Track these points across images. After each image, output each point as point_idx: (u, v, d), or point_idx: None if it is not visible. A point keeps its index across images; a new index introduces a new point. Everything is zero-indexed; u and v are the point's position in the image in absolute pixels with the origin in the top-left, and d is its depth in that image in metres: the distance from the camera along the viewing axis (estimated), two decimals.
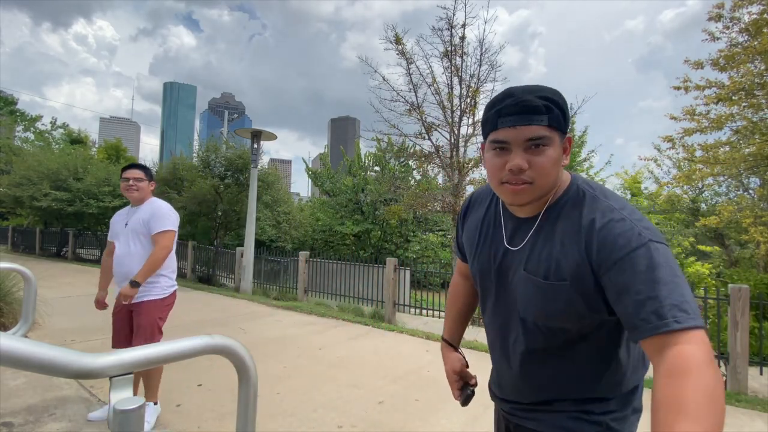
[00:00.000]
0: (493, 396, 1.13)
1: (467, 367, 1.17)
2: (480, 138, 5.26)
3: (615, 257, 0.75)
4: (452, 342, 1.23)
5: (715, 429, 0.57)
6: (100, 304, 2.82)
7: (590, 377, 0.89)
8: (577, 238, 0.81)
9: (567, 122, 0.83)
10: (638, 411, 0.94)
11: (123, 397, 0.65)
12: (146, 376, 2.60)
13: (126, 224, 2.68)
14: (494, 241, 0.97)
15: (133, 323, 2.58)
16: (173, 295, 2.73)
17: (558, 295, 0.83)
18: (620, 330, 0.86)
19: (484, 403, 3.21)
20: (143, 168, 2.80)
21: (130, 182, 2.68)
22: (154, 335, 2.56)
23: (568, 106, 0.86)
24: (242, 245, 9.39)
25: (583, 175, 14.76)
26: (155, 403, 2.65)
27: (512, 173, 0.81)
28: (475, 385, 1.17)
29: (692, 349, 0.65)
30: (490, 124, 0.83)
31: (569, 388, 0.91)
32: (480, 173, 7.63)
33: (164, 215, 2.69)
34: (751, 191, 11.12)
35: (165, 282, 2.65)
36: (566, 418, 0.90)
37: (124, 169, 2.78)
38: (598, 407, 0.89)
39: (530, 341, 0.91)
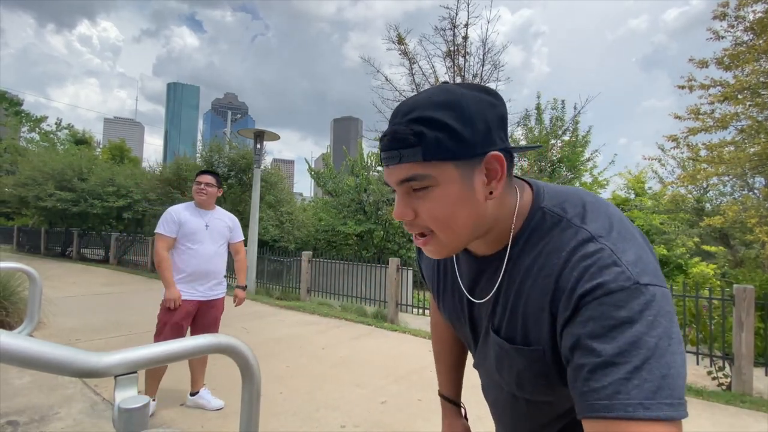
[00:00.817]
0: None
1: None
2: None
3: (577, 301, 0.52)
4: (451, 397, 1.02)
5: None
6: (176, 303, 2.71)
7: None
8: (544, 283, 0.58)
9: (472, 141, 0.55)
10: None
11: (128, 395, 0.65)
12: (148, 373, 2.75)
13: (207, 226, 2.84)
14: (455, 288, 0.75)
15: (192, 321, 2.83)
16: None
17: (529, 362, 0.63)
18: None
19: (485, 403, 3.21)
20: (216, 174, 2.99)
21: (202, 186, 2.87)
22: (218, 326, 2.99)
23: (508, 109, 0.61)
24: (245, 245, 9.42)
25: (587, 175, 14.72)
26: (153, 400, 2.75)
27: (405, 225, 0.62)
28: None
29: None
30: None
31: None
32: None
33: (240, 227, 3.12)
34: (756, 191, 11.05)
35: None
36: None
37: (199, 173, 2.96)
38: None
39: (515, 414, 0.76)
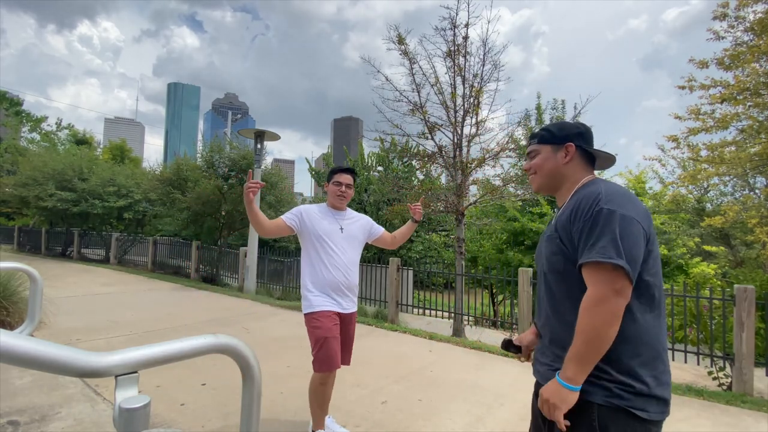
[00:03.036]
0: None
1: (527, 344, 1.45)
2: (483, 137, 5.15)
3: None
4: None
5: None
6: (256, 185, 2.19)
7: None
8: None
9: (554, 136, 1.31)
10: None
11: (128, 395, 0.65)
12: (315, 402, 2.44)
13: (341, 229, 2.47)
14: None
15: (342, 334, 2.45)
16: None
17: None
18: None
19: (486, 404, 3.21)
20: (354, 172, 2.61)
21: (343, 188, 2.49)
22: None
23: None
24: (246, 245, 9.42)
25: None
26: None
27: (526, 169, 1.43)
28: (520, 356, 1.47)
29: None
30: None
31: None
32: (483, 173, 7.61)
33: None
34: (756, 191, 11.04)
35: None
36: None
37: (336, 171, 2.54)
38: None
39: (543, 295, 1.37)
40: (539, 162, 1.32)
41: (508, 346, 1.48)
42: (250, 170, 2.24)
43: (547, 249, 1.23)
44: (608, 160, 1.33)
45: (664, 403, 1.07)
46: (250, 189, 2.11)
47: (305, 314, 2.38)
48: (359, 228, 2.56)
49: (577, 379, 1.04)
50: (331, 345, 2.28)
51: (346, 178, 2.51)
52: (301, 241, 2.47)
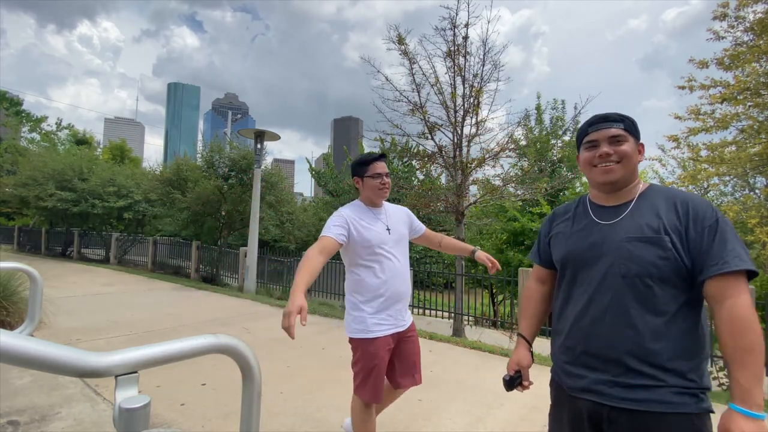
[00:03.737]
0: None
1: (529, 367, 1.38)
2: (482, 137, 5.17)
3: None
4: (527, 336, 1.43)
5: None
6: (301, 316, 1.46)
7: None
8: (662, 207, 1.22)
9: (635, 129, 1.22)
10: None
11: (128, 395, 0.65)
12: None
13: (388, 230, 2.10)
14: (588, 225, 1.30)
15: (407, 351, 2.26)
16: None
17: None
18: None
19: (487, 404, 3.20)
20: (387, 157, 2.23)
21: (384, 179, 2.09)
22: None
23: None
24: (246, 245, 9.42)
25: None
26: None
27: (601, 159, 1.21)
28: (524, 382, 1.37)
29: None
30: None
31: None
32: (483, 173, 7.61)
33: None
34: (757, 191, 11.04)
35: None
36: None
37: (368, 161, 2.11)
38: None
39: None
40: (629, 151, 1.18)
41: (512, 383, 1.35)
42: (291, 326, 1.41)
43: (651, 253, 1.08)
44: None
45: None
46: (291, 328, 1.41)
47: (358, 338, 2.08)
48: (402, 224, 2.20)
49: (762, 404, 0.95)
50: (382, 376, 2.08)
51: (383, 167, 2.10)
52: (345, 252, 2.09)
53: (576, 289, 1.21)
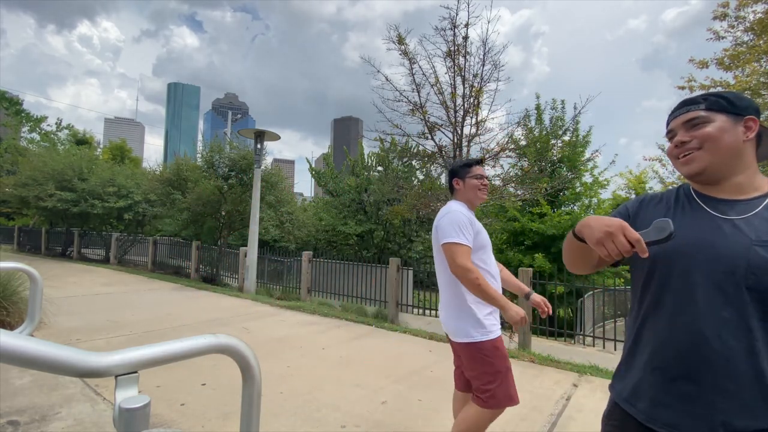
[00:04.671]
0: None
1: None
2: (482, 137, 5.17)
3: None
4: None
5: None
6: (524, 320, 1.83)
7: None
8: None
9: (733, 105, 1.00)
10: None
11: (128, 395, 0.65)
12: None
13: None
14: (700, 217, 1.07)
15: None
16: None
17: None
18: None
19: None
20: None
21: (484, 180, 2.13)
22: None
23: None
24: (246, 245, 9.42)
25: (587, 175, 14.68)
26: None
27: (676, 149, 1.09)
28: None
29: None
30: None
31: None
32: None
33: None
34: None
35: None
36: None
37: (471, 164, 2.14)
38: None
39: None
40: (712, 132, 0.98)
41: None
42: None
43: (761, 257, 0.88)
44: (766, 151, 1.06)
45: None
46: None
47: (484, 341, 1.92)
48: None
49: None
50: (508, 380, 1.93)
51: (483, 170, 2.14)
52: None
53: (674, 294, 0.98)
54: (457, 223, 1.91)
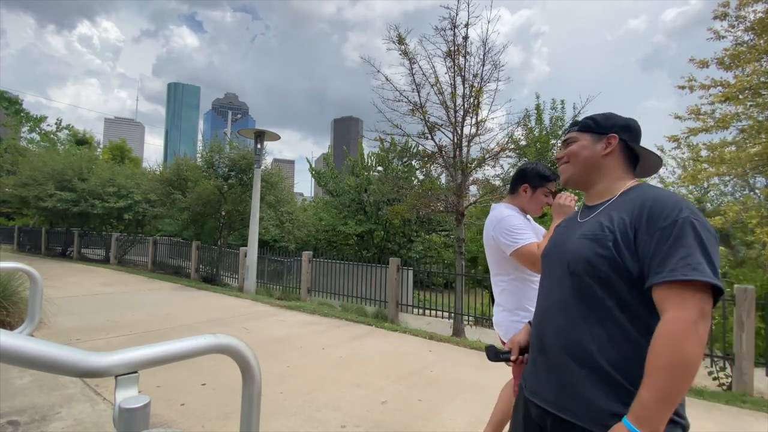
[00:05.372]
0: None
1: (520, 343, 1.32)
2: (482, 137, 5.16)
3: None
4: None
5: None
6: None
7: None
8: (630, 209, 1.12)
9: (598, 125, 1.18)
10: None
11: (128, 395, 0.65)
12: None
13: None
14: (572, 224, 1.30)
15: None
16: None
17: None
18: None
19: (487, 404, 3.20)
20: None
21: (551, 200, 2.07)
22: None
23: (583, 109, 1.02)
24: (246, 245, 9.42)
25: None
26: None
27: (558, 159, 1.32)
28: (512, 357, 1.30)
29: None
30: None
31: None
32: (483, 173, 7.61)
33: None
34: (757, 191, 11.03)
35: None
36: None
37: (550, 178, 2.05)
38: None
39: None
40: (575, 149, 1.18)
41: (497, 356, 1.30)
42: None
43: (590, 249, 1.02)
44: (654, 165, 1.18)
45: None
46: None
47: None
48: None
49: (660, 426, 0.85)
50: None
51: (555, 187, 2.09)
52: (507, 260, 1.96)
53: (542, 284, 1.22)
54: (513, 228, 1.87)
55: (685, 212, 0.92)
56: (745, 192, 12.06)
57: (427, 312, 7.15)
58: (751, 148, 7.46)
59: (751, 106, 7.18)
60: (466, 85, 6.78)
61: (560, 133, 12.97)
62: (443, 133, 7.11)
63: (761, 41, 6.82)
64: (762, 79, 6.85)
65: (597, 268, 0.99)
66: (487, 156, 6.90)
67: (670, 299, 0.88)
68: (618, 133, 1.14)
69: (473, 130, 6.91)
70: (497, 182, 7.52)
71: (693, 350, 0.84)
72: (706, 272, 0.86)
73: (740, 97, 7.06)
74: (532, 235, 1.86)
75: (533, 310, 1.69)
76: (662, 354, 0.85)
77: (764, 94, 6.95)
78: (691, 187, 12.48)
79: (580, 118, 1.38)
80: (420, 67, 6.91)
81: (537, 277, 1.89)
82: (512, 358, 1.28)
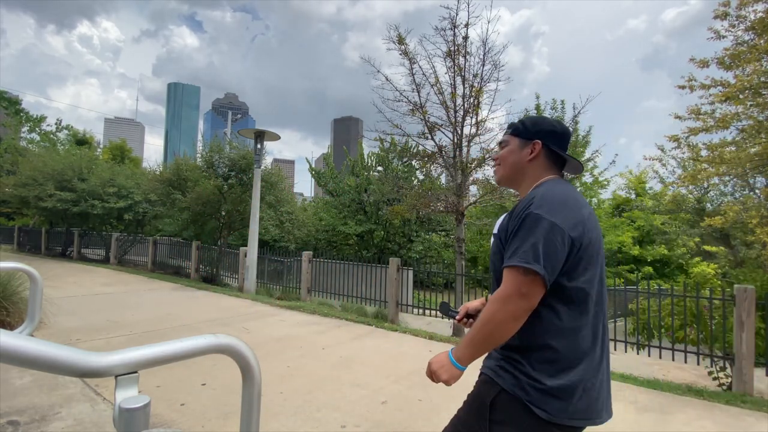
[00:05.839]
0: None
1: (469, 308, 1.45)
2: (482, 137, 5.17)
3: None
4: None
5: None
6: None
7: None
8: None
9: (525, 130, 1.28)
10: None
11: (128, 395, 0.65)
12: None
13: None
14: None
15: None
16: None
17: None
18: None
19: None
20: None
21: None
22: None
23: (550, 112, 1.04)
24: (246, 245, 9.42)
25: (588, 175, 14.69)
26: None
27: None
28: (457, 318, 1.45)
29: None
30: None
31: None
32: (483, 173, 7.61)
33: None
34: (757, 191, 11.03)
35: None
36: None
37: None
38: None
39: None
40: (505, 154, 1.30)
41: (447, 312, 1.51)
42: None
43: (491, 248, 1.24)
44: (576, 167, 1.30)
45: (571, 407, 1.06)
46: None
47: None
48: None
49: (464, 360, 1.11)
50: None
51: None
52: None
53: None
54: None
55: (531, 208, 1.09)
56: (745, 192, 12.05)
57: (427, 312, 7.15)
58: (751, 148, 7.46)
59: (751, 105, 7.17)
60: (466, 85, 6.78)
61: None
62: (443, 133, 7.11)
63: (761, 41, 6.82)
64: (762, 78, 6.84)
65: (495, 263, 1.20)
66: (487, 156, 6.89)
67: (504, 276, 1.09)
68: (542, 139, 1.24)
69: (473, 130, 6.91)
70: None
71: (499, 317, 1.05)
72: (527, 259, 1.03)
73: (740, 96, 7.06)
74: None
75: None
76: (485, 312, 1.09)
77: (764, 94, 6.95)
78: (691, 187, 12.47)
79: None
80: (420, 67, 6.91)
81: None
82: (457, 317, 1.45)
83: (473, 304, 1.46)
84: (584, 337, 1.10)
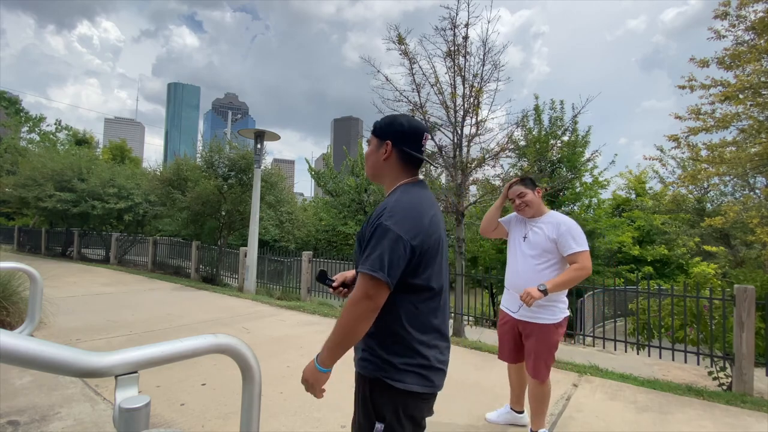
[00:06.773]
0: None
1: (346, 278, 1.56)
2: (483, 137, 5.18)
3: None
4: None
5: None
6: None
7: None
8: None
9: (380, 130, 1.36)
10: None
11: (128, 395, 0.65)
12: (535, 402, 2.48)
13: (524, 237, 2.66)
14: None
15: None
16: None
17: None
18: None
19: (487, 404, 3.20)
20: (527, 181, 2.63)
21: (517, 202, 2.63)
22: None
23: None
24: (246, 245, 9.42)
25: (587, 175, 14.71)
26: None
27: None
28: (333, 285, 1.56)
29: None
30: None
31: None
32: (483, 173, 7.60)
33: (571, 236, 2.52)
34: (757, 191, 11.03)
35: None
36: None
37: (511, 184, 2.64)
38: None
39: None
40: (367, 152, 1.40)
41: (324, 279, 1.55)
42: None
43: (355, 247, 1.35)
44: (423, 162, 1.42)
45: (424, 378, 1.24)
46: None
47: (561, 320, 2.39)
48: (543, 237, 2.44)
49: (326, 363, 1.22)
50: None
51: (514, 192, 2.58)
52: (556, 254, 2.44)
53: None
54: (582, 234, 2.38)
55: (382, 219, 1.19)
56: (745, 192, 12.06)
57: None
58: (751, 148, 7.46)
59: (751, 105, 7.17)
60: (466, 85, 6.77)
61: (559, 133, 12.98)
62: (443, 133, 7.10)
63: (762, 41, 6.82)
64: (762, 78, 6.84)
65: (356, 262, 1.29)
66: (487, 156, 6.89)
67: (356, 282, 1.20)
68: (392, 140, 1.31)
69: (473, 130, 6.90)
70: (497, 182, 7.52)
71: (349, 317, 1.17)
72: (374, 267, 1.14)
73: (740, 96, 7.06)
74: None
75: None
76: (340, 316, 1.20)
77: (764, 94, 6.95)
78: (691, 187, 12.47)
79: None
80: (420, 67, 6.90)
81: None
82: (333, 285, 1.53)
83: (350, 273, 1.56)
84: (431, 318, 1.27)
